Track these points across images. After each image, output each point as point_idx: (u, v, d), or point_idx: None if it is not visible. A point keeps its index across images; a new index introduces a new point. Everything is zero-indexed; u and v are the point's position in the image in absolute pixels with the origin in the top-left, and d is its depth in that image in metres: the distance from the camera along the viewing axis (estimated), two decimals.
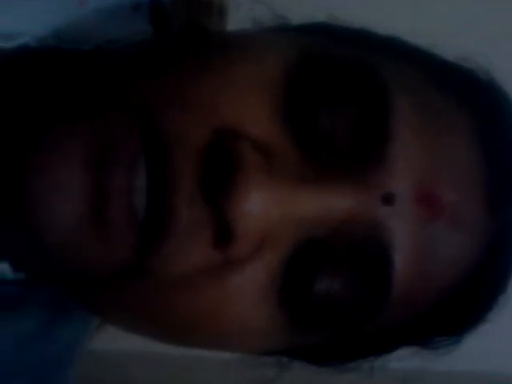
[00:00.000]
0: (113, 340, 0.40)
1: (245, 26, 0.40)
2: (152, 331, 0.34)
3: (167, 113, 0.29)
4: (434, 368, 0.43)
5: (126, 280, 0.30)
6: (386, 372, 0.40)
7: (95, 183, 0.28)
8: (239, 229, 0.28)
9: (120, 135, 0.29)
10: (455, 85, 0.35)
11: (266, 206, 0.28)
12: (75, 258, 0.30)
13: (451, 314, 0.35)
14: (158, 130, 0.29)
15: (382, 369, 0.39)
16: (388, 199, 0.30)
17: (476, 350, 0.51)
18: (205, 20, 0.43)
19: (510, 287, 0.37)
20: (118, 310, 0.33)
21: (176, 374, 0.85)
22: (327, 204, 0.30)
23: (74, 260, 0.30)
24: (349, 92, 0.31)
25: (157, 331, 0.34)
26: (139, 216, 0.28)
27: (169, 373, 0.85)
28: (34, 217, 0.29)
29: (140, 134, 0.29)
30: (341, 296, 0.31)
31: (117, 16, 0.39)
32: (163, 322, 0.32)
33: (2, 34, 0.36)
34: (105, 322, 0.39)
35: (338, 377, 0.39)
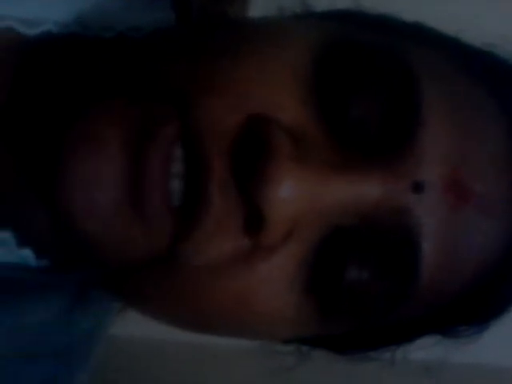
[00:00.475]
0: (127, 326, 0.41)
1: (268, 12, 0.39)
2: (181, 318, 0.34)
3: (200, 100, 0.30)
4: (456, 360, 0.43)
5: (159, 266, 0.30)
6: (407, 362, 0.40)
7: (132, 170, 0.28)
8: (271, 214, 0.28)
9: (156, 123, 0.29)
10: (484, 71, 0.35)
11: (297, 193, 0.28)
12: (111, 244, 0.30)
13: (478, 302, 0.35)
14: (191, 117, 0.29)
15: (403, 359, 0.39)
16: (417, 187, 0.30)
17: (498, 344, 0.51)
18: (227, 6, 0.43)
19: None
20: (149, 297, 0.33)
21: (189, 362, 0.85)
22: (356, 191, 0.30)
23: (109, 247, 0.30)
24: (378, 79, 0.31)
25: (186, 318, 0.34)
26: (175, 202, 0.29)
27: (182, 361, 0.85)
28: (70, 204, 0.29)
29: (176, 121, 0.29)
30: (369, 284, 0.31)
31: (139, 2, 0.39)
32: (193, 308, 0.32)
33: (25, 21, 0.36)
34: (128, 308, 0.39)
35: (360, 367, 0.39)
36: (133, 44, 0.37)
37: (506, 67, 0.37)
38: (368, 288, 0.31)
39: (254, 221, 0.29)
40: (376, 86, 0.31)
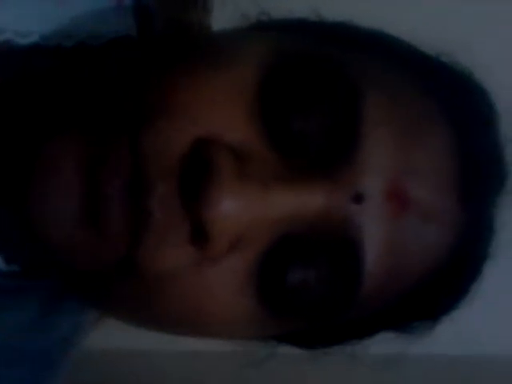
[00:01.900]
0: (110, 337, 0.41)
1: (230, 18, 0.40)
2: (143, 321, 0.35)
3: (150, 122, 0.31)
4: (415, 352, 0.44)
5: (119, 276, 0.32)
6: (366, 356, 0.41)
7: (88, 190, 0.30)
8: (212, 231, 0.30)
9: (107, 149, 0.31)
10: (432, 80, 0.36)
11: (238, 210, 0.30)
12: (73, 255, 0.31)
13: (426, 300, 0.37)
14: (140, 139, 0.31)
15: (363, 353, 0.40)
16: (357, 197, 0.31)
17: (454, 334, 0.52)
18: (189, 13, 0.44)
19: (483, 273, 0.38)
20: (112, 303, 0.34)
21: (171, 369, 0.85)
22: (299, 202, 0.31)
23: (71, 258, 0.32)
24: (320, 94, 0.32)
25: (146, 321, 0.35)
26: (127, 217, 0.30)
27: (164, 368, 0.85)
28: (35, 219, 0.31)
29: (127, 146, 0.31)
30: (313, 288, 0.32)
31: (100, 11, 0.40)
32: (151, 313, 0.33)
33: None
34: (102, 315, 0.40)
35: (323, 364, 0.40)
36: (90, 58, 0.37)
37: (459, 78, 0.38)
38: (312, 292, 0.32)
39: (199, 233, 0.30)
40: (317, 101, 0.32)
